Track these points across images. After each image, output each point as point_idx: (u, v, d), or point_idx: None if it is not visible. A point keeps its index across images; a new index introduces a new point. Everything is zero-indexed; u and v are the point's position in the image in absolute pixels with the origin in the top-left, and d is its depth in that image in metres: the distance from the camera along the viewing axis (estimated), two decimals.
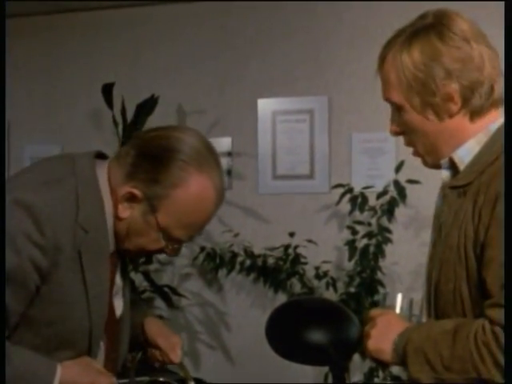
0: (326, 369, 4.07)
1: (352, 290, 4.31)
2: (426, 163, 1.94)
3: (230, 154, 4.86)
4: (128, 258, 2.04)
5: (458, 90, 1.80)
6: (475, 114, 1.83)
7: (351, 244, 4.29)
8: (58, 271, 1.78)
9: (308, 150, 4.70)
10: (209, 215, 1.92)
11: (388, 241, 4.23)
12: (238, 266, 4.65)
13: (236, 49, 4.86)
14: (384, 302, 1.95)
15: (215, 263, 4.68)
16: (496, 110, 1.86)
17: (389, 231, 4.25)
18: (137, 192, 1.84)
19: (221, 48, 4.88)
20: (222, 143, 4.85)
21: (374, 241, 4.26)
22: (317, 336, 1.96)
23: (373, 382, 4.14)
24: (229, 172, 4.86)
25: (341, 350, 1.98)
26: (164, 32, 4.97)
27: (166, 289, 4.68)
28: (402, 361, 1.80)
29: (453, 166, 1.87)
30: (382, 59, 1.88)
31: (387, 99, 1.90)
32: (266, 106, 4.78)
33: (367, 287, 4.24)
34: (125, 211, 1.87)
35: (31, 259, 1.73)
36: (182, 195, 1.84)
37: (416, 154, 1.94)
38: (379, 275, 4.28)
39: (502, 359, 1.61)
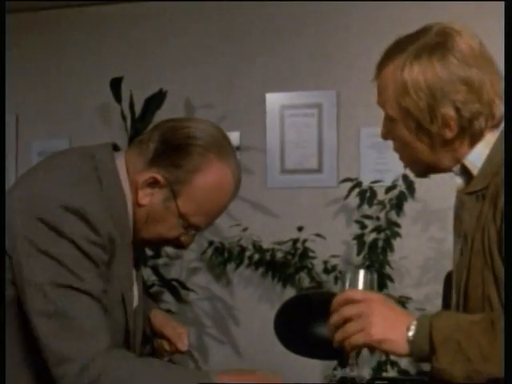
0: (334, 363, 4.08)
1: None
2: (411, 170, 1.94)
3: (238, 148, 4.86)
4: (142, 247, 2.05)
5: (455, 119, 1.76)
6: (475, 137, 1.81)
7: (360, 238, 4.29)
8: (113, 265, 1.84)
9: (316, 145, 4.70)
10: (226, 203, 1.95)
11: (397, 235, 4.23)
12: (246, 261, 4.65)
13: (244, 43, 4.86)
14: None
15: (223, 257, 4.69)
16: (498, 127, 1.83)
17: (397, 225, 4.25)
18: (159, 177, 1.87)
19: (229, 42, 4.88)
20: (231, 137, 4.78)
21: (382, 235, 4.26)
22: (325, 330, 1.96)
23: (381, 377, 4.14)
24: None
25: None
26: (172, 26, 4.97)
27: (174, 283, 4.70)
28: (424, 352, 1.64)
29: (465, 172, 1.85)
30: (380, 69, 1.85)
31: (380, 106, 1.88)
32: (274, 100, 4.77)
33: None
34: (145, 197, 1.90)
35: (98, 258, 1.78)
36: (203, 180, 1.87)
37: (401, 159, 1.93)
38: (388, 269, 4.28)
39: None
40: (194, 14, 4.94)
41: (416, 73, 1.76)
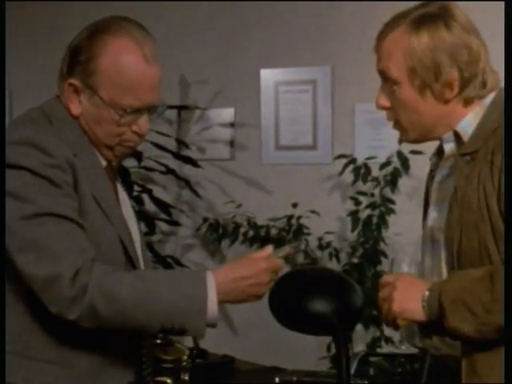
0: (328, 338, 4.09)
1: (355, 260, 4.32)
2: (406, 137, 2.06)
3: (232, 124, 4.86)
4: (117, 157, 2.07)
5: (457, 79, 1.92)
6: (468, 101, 1.97)
7: (354, 215, 4.29)
8: (78, 189, 1.89)
9: (311, 121, 4.69)
10: (144, 72, 1.96)
11: (391, 211, 4.24)
12: (240, 237, 4.66)
13: (238, 19, 4.83)
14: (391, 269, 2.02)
15: (218, 234, 4.70)
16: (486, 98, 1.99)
17: (392, 202, 4.26)
18: (73, 81, 1.94)
19: (223, 18, 4.86)
20: (225, 114, 4.84)
21: (377, 211, 4.26)
22: (319, 306, 1.97)
23: (375, 352, 4.16)
24: (231, 143, 4.86)
25: (343, 320, 1.98)
26: (166, 3, 4.94)
27: (169, 259, 4.70)
28: (437, 315, 1.84)
29: (456, 138, 2.00)
30: (384, 36, 1.97)
31: (382, 72, 2.00)
32: (268, 76, 4.76)
33: (370, 258, 4.25)
34: (76, 107, 1.97)
35: (59, 179, 1.84)
36: (107, 60, 1.93)
37: (397, 127, 2.04)
38: (382, 246, 4.28)
39: None
40: None
41: (423, 36, 1.92)
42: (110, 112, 1.94)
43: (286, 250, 2.04)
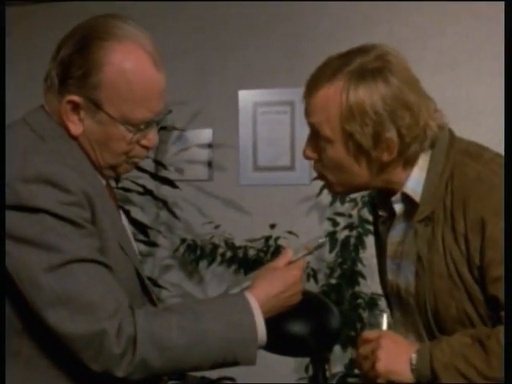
0: (306, 360, 4.08)
1: (333, 281, 4.32)
2: (332, 190, 1.96)
3: (210, 145, 4.86)
4: (119, 174, 1.87)
5: (397, 144, 1.79)
6: (408, 162, 1.85)
7: (332, 235, 4.30)
8: (96, 224, 1.68)
9: (289, 142, 4.71)
10: (152, 81, 1.74)
11: (369, 232, 4.24)
12: (218, 258, 4.65)
13: (217, 40, 4.85)
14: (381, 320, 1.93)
15: (196, 255, 4.68)
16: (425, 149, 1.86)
17: (369, 223, 4.26)
18: (74, 97, 1.69)
19: (202, 39, 4.87)
20: (203, 135, 4.84)
21: (354, 232, 4.28)
22: (297, 327, 1.96)
23: (353, 373, 4.15)
24: (209, 163, 4.86)
25: (321, 341, 1.98)
26: (145, 22, 4.93)
27: (146, 281, 4.67)
28: (428, 379, 1.79)
29: (406, 199, 1.89)
30: (317, 87, 1.82)
31: (312, 126, 1.87)
32: (246, 97, 4.77)
33: (348, 279, 4.26)
34: (77, 127, 1.72)
35: (79, 218, 1.63)
36: (113, 70, 1.68)
37: (324, 179, 1.93)
38: (360, 267, 4.29)
39: None
40: (168, 10, 4.92)
41: (361, 95, 1.76)
42: (120, 129, 1.71)
43: (309, 247, 1.92)
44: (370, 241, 4.27)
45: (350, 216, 4.33)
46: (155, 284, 4.68)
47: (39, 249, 1.58)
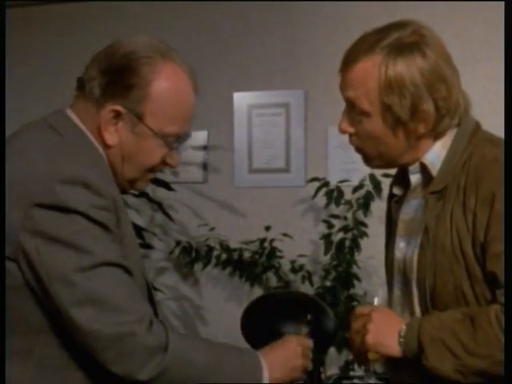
0: None
1: (328, 283, 4.32)
2: (370, 164, 1.99)
3: (205, 147, 4.86)
4: (135, 189, 1.95)
5: (433, 114, 1.83)
6: (439, 135, 1.90)
7: (327, 238, 4.29)
8: (120, 229, 1.74)
9: (284, 144, 4.70)
10: (190, 101, 1.87)
11: (364, 235, 4.24)
12: (213, 260, 4.64)
13: (212, 42, 4.84)
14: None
15: (191, 257, 4.68)
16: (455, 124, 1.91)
17: (364, 225, 4.26)
18: (118, 107, 1.76)
19: (197, 41, 4.86)
20: (198, 137, 4.84)
21: (349, 235, 4.27)
22: (292, 329, 1.96)
23: (349, 375, 4.15)
24: (205, 166, 4.86)
25: (316, 344, 1.98)
26: (140, 25, 4.94)
27: None
28: (414, 352, 1.80)
29: (423, 170, 1.93)
30: (354, 62, 1.86)
31: (350, 100, 1.89)
32: (242, 99, 4.77)
33: (343, 281, 4.25)
34: (112, 137, 1.79)
35: (109, 222, 1.68)
36: (160, 86, 1.78)
37: (360, 153, 1.97)
38: (355, 269, 4.29)
39: None
40: (163, 11, 4.92)
41: (400, 69, 1.80)
42: (154, 143, 1.81)
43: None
44: (364, 243, 4.28)
45: (345, 218, 4.33)
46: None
47: (71, 249, 1.62)
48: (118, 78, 1.77)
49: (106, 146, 1.80)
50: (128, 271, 1.70)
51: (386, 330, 1.84)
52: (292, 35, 4.69)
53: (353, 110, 1.89)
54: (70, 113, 1.84)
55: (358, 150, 1.96)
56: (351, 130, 1.92)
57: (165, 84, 1.78)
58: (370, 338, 1.84)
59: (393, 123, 1.84)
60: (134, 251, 1.82)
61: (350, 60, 1.87)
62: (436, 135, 1.89)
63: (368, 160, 1.97)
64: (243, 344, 2.09)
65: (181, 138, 1.87)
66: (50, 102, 5.08)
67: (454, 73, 1.87)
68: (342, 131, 1.94)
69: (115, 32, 5.02)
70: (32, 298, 1.67)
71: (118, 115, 1.77)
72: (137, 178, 1.87)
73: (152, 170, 1.89)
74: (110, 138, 1.78)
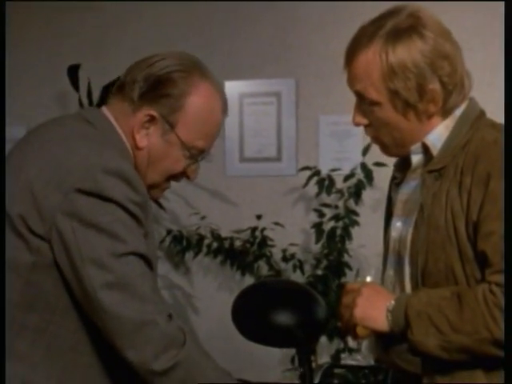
0: (292, 351, 4.08)
1: (319, 272, 4.33)
2: (388, 152, 2.02)
3: None
4: (151, 195, 1.99)
5: (440, 92, 1.86)
6: (447, 112, 1.92)
7: (318, 226, 4.30)
8: (146, 226, 1.83)
9: (275, 133, 4.70)
10: (220, 120, 1.96)
11: (355, 223, 4.25)
12: (204, 249, 4.64)
13: (203, 31, 4.83)
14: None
15: (182, 246, 4.68)
16: (462, 102, 1.94)
17: (356, 214, 4.27)
18: (153, 112, 1.85)
19: (188, 30, 4.85)
20: None
21: (341, 223, 4.28)
22: (283, 318, 1.97)
23: (340, 364, 4.16)
24: None
25: (307, 332, 1.98)
26: (130, 14, 4.92)
27: None
28: (401, 327, 1.83)
29: (425, 151, 1.95)
30: (356, 54, 1.90)
31: (359, 93, 1.92)
32: (233, 88, 4.75)
33: (334, 270, 4.26)
34: (143, 139, 1.88)
35: (141, 217, 1.77)
36: (195, 102, 1.87)
37: (377, 143, 2.01)
38: (346, 258, 4.30)
39: None
40: (153, 1, 4.90)
41: (400, 54, 1.84)
42: (181, 153, 1.90)
43: None
44: (356, 232, 4.29)
45: (337, 207, 4.33)
46: None
47: (106, 235, 1.70)
48: (157, 85, 1.86)
49: (135, 148, 1.88)
50: (151, 266, 1.78)
51: (374, 305, 1.87)
52: (283, 24, 4.68)
53: (363, 102, 1.92)
54: (106, 110, 1.91)
55: (374, 139, 2.00)
56: (365, 121, 1.95)
57: (199, 100, 1.88)
58: (358, 312, 1.87)
59: (403, 107, 1.88)
60: (154, 250, 1.89)
61: (351, 54, 1.91)
62: (444, 113, 1.92)
63: (385, 149, 2.01)
64: (234, 332, 2.10)
65: (204, 153, 1.96)
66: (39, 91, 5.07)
67: (455, 48, 1.90)
68: (356, 124, 1.98)
69: (104, 21, 5.00)
70: (57, 278, 1.74)
71: (151, 120, 1.86)
72: (156, 183, 1.94)
73: (172, 178, 1.96)
74: (142, 140, 1.87)
